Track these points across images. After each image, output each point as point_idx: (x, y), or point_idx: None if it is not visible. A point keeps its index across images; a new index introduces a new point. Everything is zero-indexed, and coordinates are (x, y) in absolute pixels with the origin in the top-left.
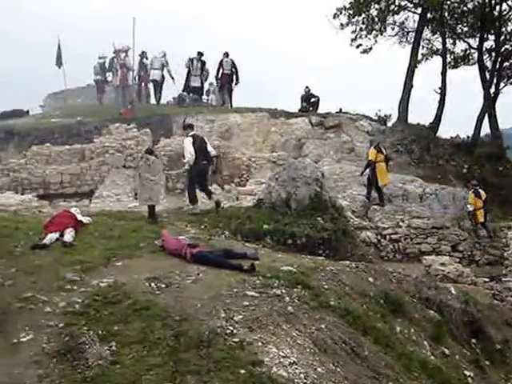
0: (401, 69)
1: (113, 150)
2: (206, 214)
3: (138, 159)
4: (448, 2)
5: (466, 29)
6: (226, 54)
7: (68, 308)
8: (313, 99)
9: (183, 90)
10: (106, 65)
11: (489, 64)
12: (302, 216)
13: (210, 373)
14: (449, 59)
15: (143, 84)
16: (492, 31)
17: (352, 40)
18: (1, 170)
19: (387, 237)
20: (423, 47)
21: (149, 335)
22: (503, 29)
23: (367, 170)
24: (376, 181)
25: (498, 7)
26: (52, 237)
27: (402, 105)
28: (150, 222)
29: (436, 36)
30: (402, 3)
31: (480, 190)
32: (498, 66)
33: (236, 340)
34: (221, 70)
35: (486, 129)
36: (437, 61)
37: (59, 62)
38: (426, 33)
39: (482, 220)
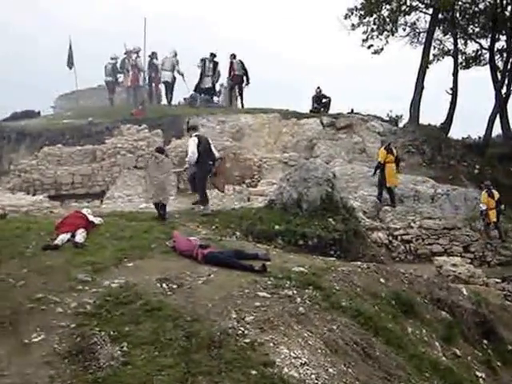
0: (413, 69)
1: (124, 151)
2: (217, 214)
3: (148, 157)
4: (459, 3)
5: (477, 29)
6: (234, 56)
7: (79, 309)
8: (324, 100)
9: (194, 91)
10: (118, 66)
11: (500, 64)
12: (313, 217)
13: (222, 373)
14: (460, 60)
15: (154, 85)
16: (503, 32)
17: (363, 41)
18: (12, 171)
19: (399, 237)
20: (435, 48)
21: (160, 336)
22: None
23: (378, 171)
24: (384, 182)
25: (509, 7)
26: (63, 237)
27: (414, 105)
28: (157, 219)
29: (447, 36)
30: (414, 4)
31: (493, 191)
32: (509, 67)
33: (247, 341)
34: (231, 72)
35: (497, 129)
36: (448, 61)
37: (70, 63)
38: (438, 33)
39: (494, 220)
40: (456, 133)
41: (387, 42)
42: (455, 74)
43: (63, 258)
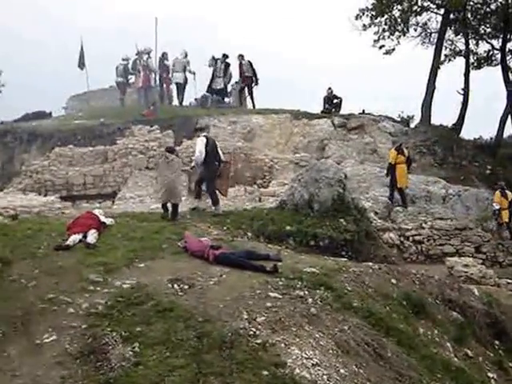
0: (424, 69)
1: (135, 152)
2: (229, 215)
3: (158, 157)
4: (471, 3)
5: (489, 30)
6: (242, 56)
7: (91, 309)
8: (335, 100)
9: (207, 91)
10: (129, 66)
11: None
12: (324, 217)
13: (233, 374)
14: (472, 60)
15: (165, 85)
16: None
17: (375, 41)
18: (24, 172)
19: (410, 238)
20: (446, 48)
21: (172, 336)
22: None
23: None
24: (395, 182)
25: None
26: (75, 238)
27: (425, 106)
28: (163, 218)
29: (459, 37)
30: (425, 4)
31: (507, 191)
32: None
33: (259, 341)
34: (241, 73)
35: (509, 130)
36: (460, 62)
37: (82, 64)
38: (449, 34)
39: (506, 220)
40: (467, 133)
41: (398, 42)
42: (466, 75)
43: (75, 259)
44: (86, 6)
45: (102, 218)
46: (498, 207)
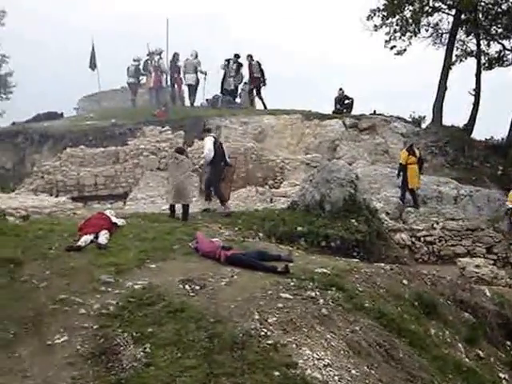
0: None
1: (147, 152)
2: (240, 215)
3: (168, 158)
4: (482, 4)
5: (500, 30)
6: (251, 57)
7: (102, 310)
8: (346, 101)
9: (220, 92)
10: (141, 67)
11: None
12: (336, 218)
13: (244, 375)
14: (483, 60)
15: (177, 86)
16: None
17: (386, 41)
18: (35, 173)
19: (421, 239)
20: (457, 49)
21: (183, 337)
22: None
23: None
24: (406, 183)
25: None
26: (86, 239)
27: (436, 106)
28: (170, 217)
29: (470, 37)
30: (436, 5)
31: None
32: None
33: (270, 342)
34: (250, 74)
35: None
36: (471, 62)
37: (93, 65)
38: (460, 34)
39: None
40: (479, 134)
41: (410, 42)
42: (478, 75)
43: (86, 260)
44: (95, 6)
45: (114, 219)
46: (510, 206)
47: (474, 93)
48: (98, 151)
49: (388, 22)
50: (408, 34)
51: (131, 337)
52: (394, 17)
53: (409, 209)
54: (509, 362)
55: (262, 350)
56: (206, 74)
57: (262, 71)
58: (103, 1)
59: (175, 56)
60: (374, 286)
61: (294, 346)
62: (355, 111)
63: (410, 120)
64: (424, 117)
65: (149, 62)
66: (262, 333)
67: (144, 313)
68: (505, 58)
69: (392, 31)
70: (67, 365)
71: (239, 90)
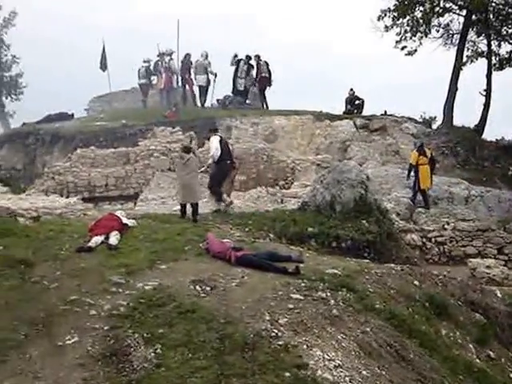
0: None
1: (158, 153)
2: (251, 216)
3: (174, 157)
4: (493, 4)
5: (511, 30)
6: (259, 57)
7: (113, 311)
8: (357, 102)
9: (232, 92)
10: (151, 68)
11: None
12: (346, 219)
13: (255, 375)
14: (494, 61)
15: (188, 86)
16: None
17: (396, 42)
18: (46, 173)
19: (432, 239)
20: (468, 49)
21: (194, 338)
22: None
23: (412, 173)
24: (418, 184)
25: None
26: (97, 240)
27: (447, 107)
28: (181, 218)
29: (481, 38)
30: (447, 5)
31: None
32: None
33: (281, 343)
34: (258, 74)
35: None
36: (482, 63)
37: (104, 66)
38: (471, 35)
39: None
40: (490, 134)
41: (421, 43)
42: (489, 76)
43: (97, 260)
44: (106, 6)
45: (124, 220)
46: None
47: (484, 93)
48: (109, 152)
49: (399, 22)
50: (419, 34)
51: (142, 338)
52: (405, 17)
53: (419, 209)
54: None
55: (273, 350)
56: (215, 76)
57: (269, 71)
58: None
59: (186, 57)
60: (385, 286)
61: (305, 346)
62: (366, 112)
63: (421, 121)
64: (435, 117)
65: (159, 62)
66: (273, 334)
67: (155, 314)
68: None
69: (403, 32)
70: (78, 366)
71: (250, 91)
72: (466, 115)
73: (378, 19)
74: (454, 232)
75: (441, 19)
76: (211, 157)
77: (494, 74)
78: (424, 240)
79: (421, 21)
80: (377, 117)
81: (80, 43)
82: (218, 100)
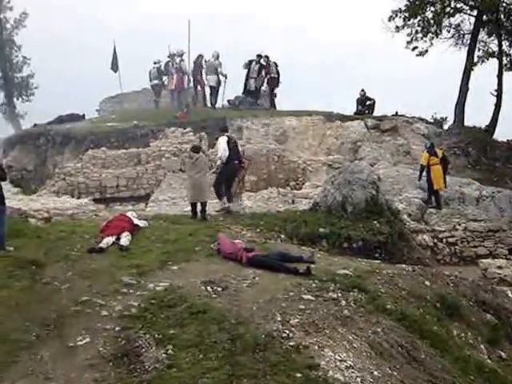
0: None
1: (169, 154)
2: (262, 217)
3: (183, 157)
4: (504, 4)
5: None
6: (267, 57)
7: (124, 311)
8: (368, 102)
9: (242, 93)
10: (162, 68)
11: None
12: (357, 219)
13: (266, 376)
14: (505, 61)
15: (200, 87)
16: None
17: (407, 42)
18: (57, 174)
19: (443, 240)
20: (479, 49)
21: (205, 339)
22: None
23: (424, 173)
24: (431, 184)
25: None
26: (108, 240)
27: (458, 107)
28: (193, 219)
29: (492, 38)
30: (458, 5)
31: None
32: None
33: (292, 343)
34: (267, 74)
35: None
36: (493, 63)
37: (115, 67)
38: (482, 35)
39: None
40: (501, 135)
41: (431, 43)
42: (500, 76)
43: (108, 261)
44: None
45: (136, 221)
46: None
47: (495, 94)
48: (120, 153)
49: (410, 23)
50: (430, 34)
51: (153, 338)
52: (416, 18)
53: (431, 210)
54: None
55: (284, 351)
56: (226, 77)
57: (278, 72)
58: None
59: (199, 58)
60: (396, 287)
61: (316, 347)
62: (377, 112)
63: (432, 121)
64: (446, 118)
65: (169, 63)
66: (284, 334)
67: (166, 314)
68: None
69: (414, 32)
70: (89, 367)
71: (261, 92)
72: (477, 115)
73: (389, 20)
74: (466, 232)
75: (452, 19)
76: (219, 158)
77: (505, 74)
78: (435, 240)
79: (432, 21)
80: (388, 117)
81: (90, 42)
82: (228, 101)
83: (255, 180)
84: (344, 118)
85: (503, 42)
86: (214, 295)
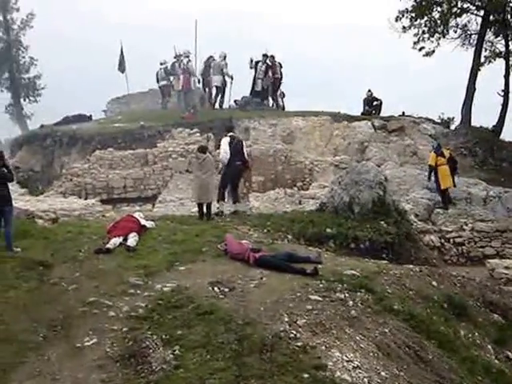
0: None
1: (176, 155)
2: (269, 217)
3: (189, 157)
4: (511, 4)
5: None
6: (273, 57)
7: (131, 312)
8: (375, 102)
9: (250, 93)
10: (169, 68)
11: None
12: (365, 220)
13: (274, 377)
14: None
15: (208, 88)
16: None
17: (414, 43)
18: (64, 175)
19: (451, 240)
20: (486, 50)
21: (212, 339)
22: None
23: (433, 175)
24: (439, 185)
25: None
26: (115, 241)
27: (465, 107)
28: (200, 219)
29: (499, 38)
30: (465, 6)
31: None
32: None
33: (299, 344)
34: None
35: None
36: (500, 63)
37: (122, 68)
38: (489, 35)
39: None
40: (508, 135)
41: (438, 44)
42: (507, 76)
43: (115, 262)
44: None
45: (143, 221)
46: None
47: (502, 94)
48: (127, 153)
49: (416, 23)
50: (436, 35)
51: (160, 339)
52: (423, 18)
53: (438, 210)
54: None
55: (292, 352)
56: (232, 78)
57: (281, 73)
58: None
59: (209, 59)
60: (403, 287)
61: (324, 348)
62: (384, 113)
63: (439, 121)
64: (453, 118)
65: (176, 64)
66: (292, 335)
67: (173, 315)
68: None
69: (420, 32)
70: (96, 367)
71: (268, 92)
72: (484, 116)
73: (396, 20)
74: (473, 233)
75: (458, 20)
76: (220, 161)
77: None
78: (442, 241)
79: (438, 21)
80: (395, 118)
81: (96, 40)
82: (235, 101)
83: (262, 180)
84: (351, 119)
85: (510, 42)
86: (221, 296)
